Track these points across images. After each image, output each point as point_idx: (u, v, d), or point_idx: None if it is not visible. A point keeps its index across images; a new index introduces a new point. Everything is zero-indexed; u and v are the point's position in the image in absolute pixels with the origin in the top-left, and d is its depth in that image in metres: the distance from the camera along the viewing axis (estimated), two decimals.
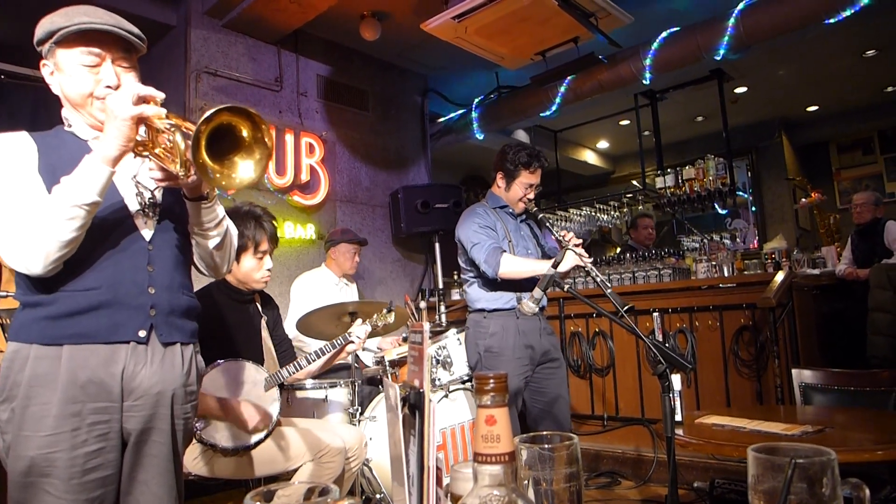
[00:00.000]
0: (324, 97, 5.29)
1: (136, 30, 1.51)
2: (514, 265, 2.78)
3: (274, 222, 2.59)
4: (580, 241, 2.72)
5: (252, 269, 2.50)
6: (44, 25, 1.46)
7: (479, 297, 2.96)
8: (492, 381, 0.65)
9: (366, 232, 5.22)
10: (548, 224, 2.92)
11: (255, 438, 2.31)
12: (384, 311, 2.72)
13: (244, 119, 1.31)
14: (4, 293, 2.83)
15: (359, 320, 2.69)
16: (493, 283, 2.91)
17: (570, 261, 2.65)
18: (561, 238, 2.74)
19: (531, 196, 2.98)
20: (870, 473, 2.16)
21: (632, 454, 4.04)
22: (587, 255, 2.66)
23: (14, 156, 1.42)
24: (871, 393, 2.53)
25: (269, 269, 2.54)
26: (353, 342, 2.57)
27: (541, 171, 2.97)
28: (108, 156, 1.34)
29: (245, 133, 1.32)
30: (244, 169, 1.33)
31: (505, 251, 2.84)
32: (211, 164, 1.27)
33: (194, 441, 2.24)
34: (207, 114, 1.23)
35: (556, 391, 2.93)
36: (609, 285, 2.41)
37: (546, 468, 0.85)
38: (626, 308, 2.24)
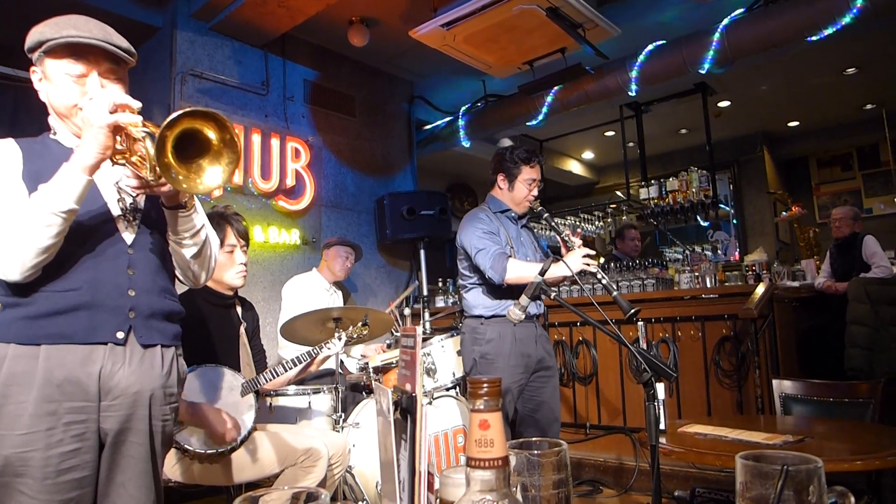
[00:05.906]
0: (311, 102, 5.27)
1: (124, 43, 1.51)
2: (521, 270, 2.74)
3: (243, 222, 2.63)
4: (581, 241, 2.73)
5: (223, 265, 2.49)
6: (33, 35, 1.46)
7: (477, 302, 2.91)
8: (485, 385, 0.65)
9: (351, 238, 5.20)
10: (554, 223, 2.87)
11: (228, 445, 2.29)
12: (359, 324, 2.79)
13: (210, 122, 1.32)
14: None
15: (336, 334, 2.72)
16: (494, 290, 2.87)
17: (577, 263, 2.63)
18: (567, 238, 2.74)
19: (535, 193, 2.95)
20: (847, 483, 2.18)
21: (613, 462, 4.06)
22: (593, 258, 2.65)
23: None
24: (850, 404, 2.57)
25: (243, 264, 2.56)
26: (328, 350, 2.63)
27: (539, 167, 2.97)
28: (85, 164, 1.34)
29: (213, 136, 1.33)
30: (211, 174, 1.35)
31: (511, 256, 2.82)
32: (176, 166, 1.28)
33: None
34: (172, 117, 1.24)
35: (547, 400, 2.91)
36: (615, 288, 2.42)
37: (534, 474, 0.85)
38: (633, 311, 2.24)
